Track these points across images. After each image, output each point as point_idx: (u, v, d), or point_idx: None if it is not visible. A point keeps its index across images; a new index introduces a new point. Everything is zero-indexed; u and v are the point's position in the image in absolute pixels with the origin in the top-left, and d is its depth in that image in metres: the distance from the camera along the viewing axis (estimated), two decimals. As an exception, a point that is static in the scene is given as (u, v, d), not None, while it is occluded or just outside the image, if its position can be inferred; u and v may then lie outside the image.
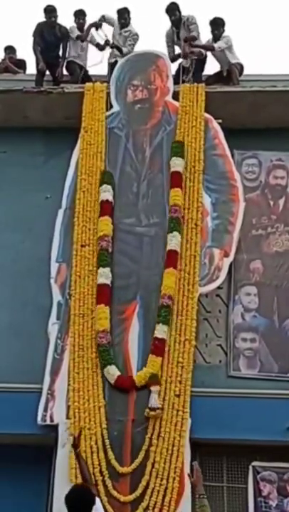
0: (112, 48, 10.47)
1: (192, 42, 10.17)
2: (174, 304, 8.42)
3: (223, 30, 10.25)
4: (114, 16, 10.63)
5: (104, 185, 9.20)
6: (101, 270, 8.67)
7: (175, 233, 8.77)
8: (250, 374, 8.56)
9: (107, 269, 8.69)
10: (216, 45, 10.13)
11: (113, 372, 8.13)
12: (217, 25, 10.23)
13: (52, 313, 8.67)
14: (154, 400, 7.86)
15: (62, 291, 8.78)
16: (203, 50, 10.26)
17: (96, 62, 10.65)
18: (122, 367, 8.24)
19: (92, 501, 5.08)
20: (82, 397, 8.04)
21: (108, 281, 8.64)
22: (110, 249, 8.85)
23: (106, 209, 9.08)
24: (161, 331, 8.25)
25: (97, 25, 10.64)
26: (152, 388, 7.94)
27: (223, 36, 10.19)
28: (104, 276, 8.64)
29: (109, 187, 9.20)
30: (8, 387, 8.31)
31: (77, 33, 10.60)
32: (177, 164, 9.24)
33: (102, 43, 10.63)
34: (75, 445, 6.17)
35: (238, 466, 8.11)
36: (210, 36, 10.33)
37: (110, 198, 9.15)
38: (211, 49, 10.19)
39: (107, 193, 9.14)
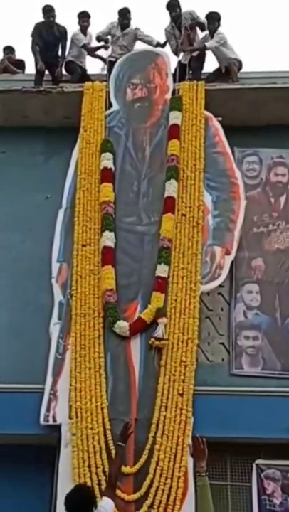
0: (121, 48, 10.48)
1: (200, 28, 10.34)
2: (173, 246, 8.66)
3: (219, 25, 10.21)
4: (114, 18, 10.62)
5: (104, 154, 9.30)
6: (107, 233, 8.76)
7: (172, 181, 9.04)
8: (253, 372, 8.53)
9: (112, 234, 8.77)
10: (207, 45, 10.11)
11: (123, 324, 8.26)
12: (212, 19, 10.20)
13: (53, 313, 8.62)
14: (161, 331, 8.09)
15: (64, 291, 8.74)
16: (195, 43, 10.29)
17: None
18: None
19: (90, 502, 5.02)
20: (84, 397, 8.00)
21: (112, 244, 8.73)
22: (114, 215, 8.93)
23: (107, 176, 9.20)
24: (162, 270, 8.50)
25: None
26: (160, 320, 8.16)
27: (217, 33, 10.14)
28: (110, 239, 8.74)
29: (110, 155, 9.32)
30: (9, 388, 8.28)
31: (82, 36, 10.59)
32: (175, 117, 9.45)
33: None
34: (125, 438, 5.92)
35: (241, 464, 8.08)
36: (206, 32, 10.31)
37: (111, 165, 9.25)
38: (203, 49, 10.18)
39: (109, 161, 9.27)
